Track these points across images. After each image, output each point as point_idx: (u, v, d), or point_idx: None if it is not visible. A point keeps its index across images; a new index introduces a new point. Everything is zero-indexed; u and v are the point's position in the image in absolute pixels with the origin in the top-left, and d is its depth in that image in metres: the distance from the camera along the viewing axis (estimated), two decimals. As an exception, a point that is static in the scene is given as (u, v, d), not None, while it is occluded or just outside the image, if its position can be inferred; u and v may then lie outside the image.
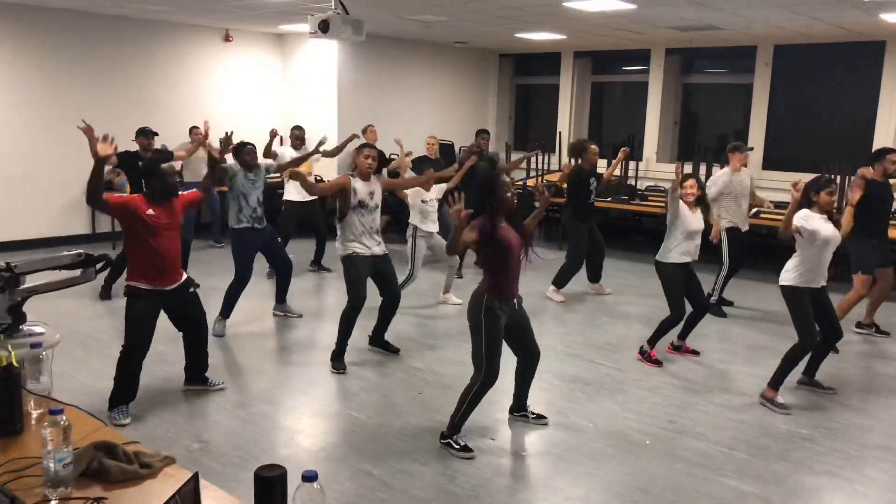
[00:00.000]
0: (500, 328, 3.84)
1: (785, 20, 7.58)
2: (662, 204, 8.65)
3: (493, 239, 3.77)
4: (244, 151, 5.89)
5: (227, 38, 10.20)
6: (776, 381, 4.64)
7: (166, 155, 7.20)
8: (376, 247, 5.06)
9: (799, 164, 8.91)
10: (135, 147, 7.11)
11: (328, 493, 3.38)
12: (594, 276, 7.43)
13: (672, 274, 5.24)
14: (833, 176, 8.55)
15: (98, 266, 2.53)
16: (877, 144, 8.90)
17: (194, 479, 1.66)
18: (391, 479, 3.62)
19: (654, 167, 10.52)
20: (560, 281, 7.13)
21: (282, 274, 6.22)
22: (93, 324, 6.04)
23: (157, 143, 7.80)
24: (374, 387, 4.84)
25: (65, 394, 2.73)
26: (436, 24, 8.82)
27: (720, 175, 6.64)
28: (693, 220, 5.21)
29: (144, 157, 6.73)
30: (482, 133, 8.24)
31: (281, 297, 6.31)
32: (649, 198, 9.72)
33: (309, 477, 1.53)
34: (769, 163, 9.73)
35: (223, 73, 10.29)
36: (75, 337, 5.56)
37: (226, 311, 5.81)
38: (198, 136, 9.45)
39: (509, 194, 3.82)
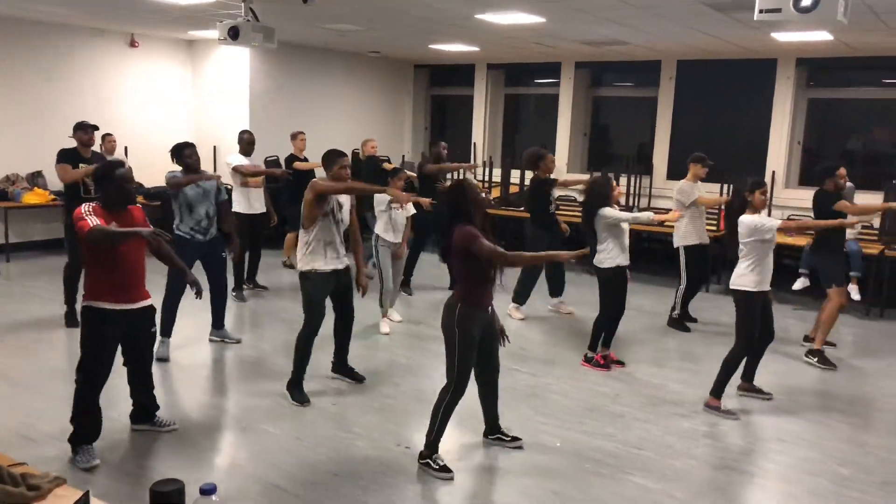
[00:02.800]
0: (473, 339, 3.73)
1: (685, 36, 7.94)
2: (575, 213, 8.88)
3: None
4: (185, 154, 5.37)
5: (132, 44, 9.84)
6: (717, 390, 4.70)
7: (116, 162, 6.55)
8: (337, 260, 4.67)
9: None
10: (72, 143, 6.08)
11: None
12: (556, 291, 7.11)
13: (612, 277, 5.35)
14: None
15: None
16: (770, 157, 9.42)
17: (84, 498, 1.59)
18: (304, 492, 3.56)
19: (565, 178, 10.76)
20: (520, 297, 6.79)
21: (214, 295, 5.68)
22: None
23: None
24: (291, 404, 4.73)
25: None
26: (350, 33, 8.78)
27: (684, 185, 6.56)
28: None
29: (85, 155, 5.96)
30: (439, 142, 8.13)
31: (217, 322, 5.82)
32: (561, 207, 9.94)
33: (207, 490, 1.48)
34: (674, 174, 10.13)
35: (129, 79, 9.91)
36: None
37: (166, 328, 5.26)
38: (111, 144, 8.86)
39: (483, 197, 3.75)
